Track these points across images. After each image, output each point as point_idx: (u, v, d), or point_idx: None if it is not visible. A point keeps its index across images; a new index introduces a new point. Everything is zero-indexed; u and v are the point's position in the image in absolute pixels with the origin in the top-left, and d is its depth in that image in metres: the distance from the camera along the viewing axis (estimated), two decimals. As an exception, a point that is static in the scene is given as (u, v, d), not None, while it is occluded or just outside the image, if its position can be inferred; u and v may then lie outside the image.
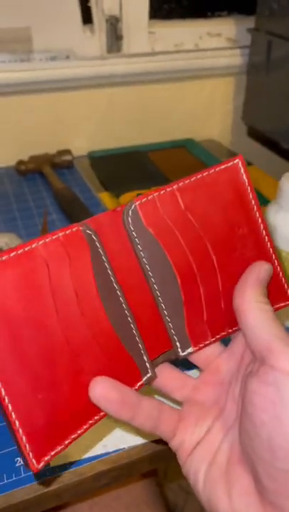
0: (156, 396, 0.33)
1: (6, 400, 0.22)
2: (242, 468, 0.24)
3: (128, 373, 0.26)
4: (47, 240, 0.24)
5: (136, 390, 0.26)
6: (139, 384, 0.26)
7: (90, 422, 0.25)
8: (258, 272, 0.27)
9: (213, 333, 0.28)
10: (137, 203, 0.27)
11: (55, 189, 0.67)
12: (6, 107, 0.75)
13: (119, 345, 0.26)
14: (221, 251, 0.28)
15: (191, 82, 0.85)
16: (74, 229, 0.25)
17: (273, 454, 0.22)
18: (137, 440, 0.34)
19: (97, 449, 0.34)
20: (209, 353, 0.29)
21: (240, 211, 0.28)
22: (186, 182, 0.28)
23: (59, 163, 0.75)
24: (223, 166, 0.28)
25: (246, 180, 0.28)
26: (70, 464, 0.33)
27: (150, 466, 0.36)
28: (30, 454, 0.23)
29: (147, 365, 0.27)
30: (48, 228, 0.60)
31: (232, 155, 0.84)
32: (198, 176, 0.28)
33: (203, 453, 0.25)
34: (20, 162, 0.74)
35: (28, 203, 0.67)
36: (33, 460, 0.23)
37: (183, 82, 0.85)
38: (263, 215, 0.29)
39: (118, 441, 0.34)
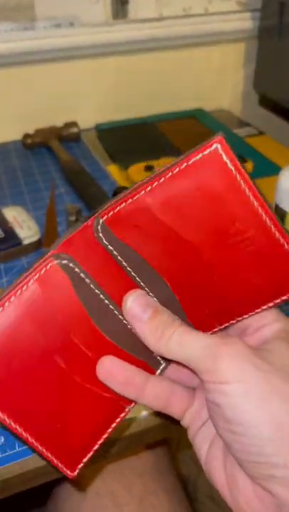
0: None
1: (29, 438, 0.24)
2: None
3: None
4: (27, 284, 0.23)
5: None
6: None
7: (113, 425, 0.26)
8: (131, 317, 0.25)
9: (221, 322, 0.27)
10: (104, 219, 0.25)
11: (62, 162, 0.66)
12: (9, 79, 0.73)
13: (127, 356, 0.26)
14: (213, 248, 0.25)
15: (200, 48, 0.82)
16: (48, 266, 0.24)
17: (234, 450, 0.23)
18: (149, 409, 0.34)
19: (109, 418, 0.34)
20: None
21: (232, 203, 0.23)
22: (155, 185, 0.24)
23: (66, 136, 0.74)
24: (198, 156, 0.23)
25: (232, 168, 0.23)
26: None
27: (162, 435, 0.36)
28: (64, 468, 0.25)
29: (158, 357, 0.27)
30: (55, 201, 0.60)
31: (243, 124, 0.82)
32: (169, 175, 0.24)
33: (206, 433, 0.26)
34: (27, 135, 0.72)
35: (35, 177, 0.66)
36: (68, 471, 0.25)
37: (192, 48, 0.82)
38: (262, 198, 0.23)
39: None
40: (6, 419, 0.24)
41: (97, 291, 0.25)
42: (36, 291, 0.24)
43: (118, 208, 0.25)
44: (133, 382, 0.25)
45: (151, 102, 0.84)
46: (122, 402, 0.26)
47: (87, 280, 0.25)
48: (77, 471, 0.25)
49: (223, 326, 0.27)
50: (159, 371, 0.27)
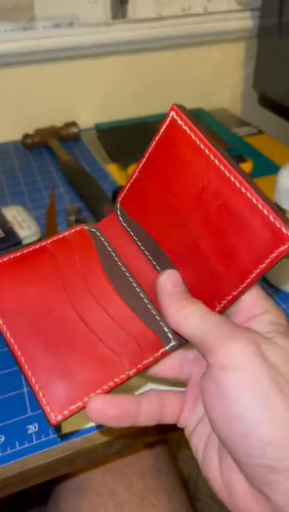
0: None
1: (22, 360, 0.25)
2: None
3: (147, 342, 0.26)
4: (54, 238, 0.29)
5: (159, 357, 0.26)
6: (161, 351, 0.26)
7: (110, 384, 0.25)
8: (162, 286, 0.26)
9: (218, 299, 0.26)
10: (119, 200, 0.30)
11: (62, 162, 0.66)
12: (9, 79, 0.73)
13: (134, 318, 0.27)
14: (197, 213, 0.26)
15: (200, 48, 0.82)
16: (78, 228, 0.30)
17: (230, 449, 0.22)
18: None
19: (108, 417, 0.34)
20: None
21: (196, 162, 0.25)
22: (143, 161, 0.28)
23: (65, 136, 0.74)
24: (163, 128, 0.27)
25: (187, 129, 0.25)
26: (82, 431, 0.33)
27: (162, 434, 0.36)
28: (48, 407, 0.24)
29: (169, 335, 0.27)
30: (55, 201, 0.60)
31: (242, 124, 0.82)
32: (150, 150, 0.28)
33: (201, 432, 0.26)
34: (27, 136, 0.72)
35: (35, 177, 0.66)
36: (51, 414, 0.24)
37: (191, 48, 0.82)
38: (220, 153, 0.24)
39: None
40: (9, 335, 0.25)
41: (115, 257, 0.29)
42: (66, 241, 0.29)
43: (125, 188, 0.30)
44: (127, 412, 0.24)
45: (150, 102, 0.84)
46: (125, 363, 0.26)
47: (108, 247, 0.30)
48: (60, 417, 0.24)
49: (222, 305, 0.26)
50: (168, 347, 0.26)
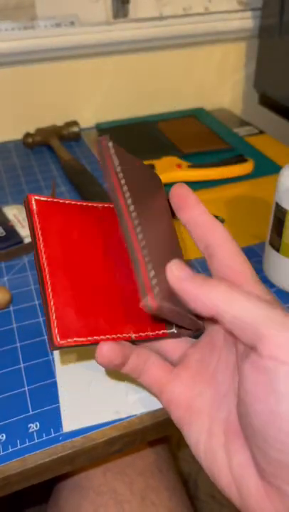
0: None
1: (49, 283, 0.26)
2: (240, 442, 0.23)
3: (153, 320, 0.29)
4: (105, 205, 0.33)
5: (159, 336, 0.28)
6: (162, 331, 0.29)
7: (113, 336, 0.27)
8: (179, 277, 0.23)
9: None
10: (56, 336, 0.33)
11: (63, 161, 0.66)
12: (10, 78, 0.73)
13: None
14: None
15: (200, 47, 0.82)
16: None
17: (267, 444, 0.20)
18: (150, 407, 0.34)
19: (110, 415, 0.34)
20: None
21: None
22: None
23: (66, 135, 0.74)
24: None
25: (102, 150, 0.29)
26: (83, 430, 0.33)
27: (163, 433, 0.36)
28: (56, 329, 0.25)
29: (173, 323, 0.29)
30: (56, 200, 0.60)
31: (243, 123, 0.82)
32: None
33: (200, 424, 0.25)
34: (28, 135, 0.72)
35: (36, 176, 0.66)
36: (58, 336, 0.25)
37: (192, 47, 0.82)
38: (115, 175, 0.27)
39: (130, 407, 0.34)
40: (44, 259, 0.27)
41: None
42: (114, 211, 0.33)
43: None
44: (124, 361, 0.26)
45: (151, 101, 0.84)
46: (131, 326, 0.28)
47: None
48: (63, 341, 0.25)
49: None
50: (168, 331, 0.29)
